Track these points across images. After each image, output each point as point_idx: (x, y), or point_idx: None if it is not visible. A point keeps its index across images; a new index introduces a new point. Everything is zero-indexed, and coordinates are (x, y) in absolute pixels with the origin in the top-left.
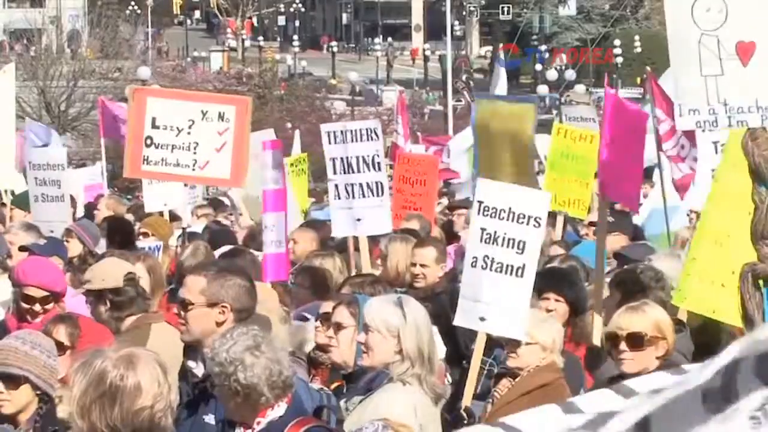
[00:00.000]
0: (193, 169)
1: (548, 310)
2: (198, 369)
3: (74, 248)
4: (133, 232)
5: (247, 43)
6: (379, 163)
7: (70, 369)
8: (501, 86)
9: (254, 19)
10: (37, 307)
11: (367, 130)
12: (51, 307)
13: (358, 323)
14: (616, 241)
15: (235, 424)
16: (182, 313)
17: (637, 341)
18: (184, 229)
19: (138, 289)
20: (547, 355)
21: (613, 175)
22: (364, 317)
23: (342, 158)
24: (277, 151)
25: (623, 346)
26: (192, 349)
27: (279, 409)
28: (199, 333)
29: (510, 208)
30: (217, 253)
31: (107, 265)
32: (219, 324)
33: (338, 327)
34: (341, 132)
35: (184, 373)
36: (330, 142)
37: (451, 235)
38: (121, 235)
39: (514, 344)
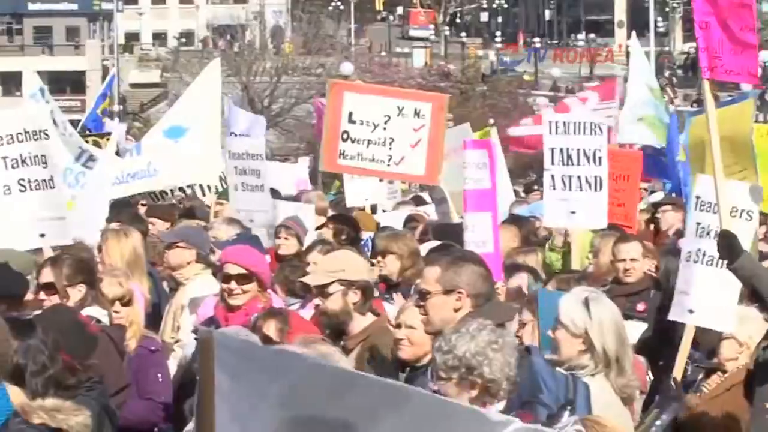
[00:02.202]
0: (388, 165)
1: None
2: None
3: (291, 246)
4: (360, 229)
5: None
6: (600, 158)
7: None
8: None
9: (437, 15)
10: (233, 285)
11: (591, 124)
12: (250, 288)
13: (537, 318)
14: None
15: None
16: (422, 303)
17: None
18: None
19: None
20: (744, 350)
21: None
22: (558, 313)
23: (562, 149)
24: (482, 151)
25: None
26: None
27: (500, 404)
28: (440, 321)
29: (723, 202)
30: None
31: (358, 258)
32: (456, 310)
33: (520, 324)
34: (563, 123)
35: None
36: (551, 132)
37: (657, 233)
38: (348, 232)
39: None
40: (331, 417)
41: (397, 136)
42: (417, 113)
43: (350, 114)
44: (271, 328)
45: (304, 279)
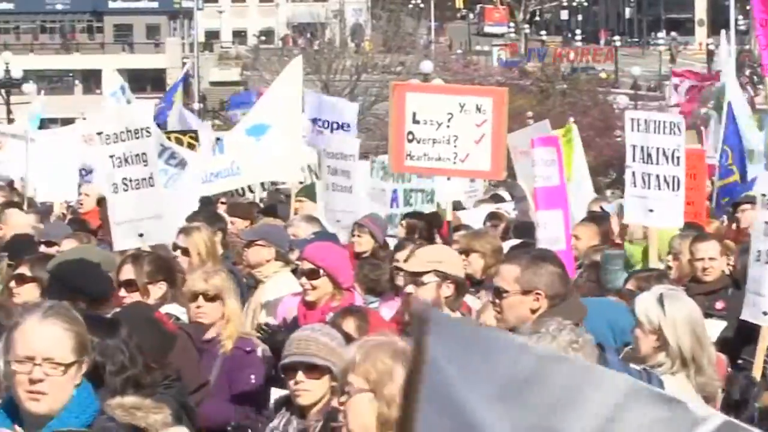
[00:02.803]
0: (454, 163)
1: None
2: None
3: (365, 243)
4: (438, 226)
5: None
6: (678, 157)
7: None
8: None
9: (517, 12)
10: (304, 281)
11: (671, 123)
12: (319, 284)
13: None
14: None
15: None
16: (497, 301)
17: None
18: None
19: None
20: None
21: None
22: (636, 311)
23: (642, 147)
24: (550, 148)
25: None
26: None
27: None
28: (514, 320)
29: None
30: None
31: (455, 253)
32: (533, 311)
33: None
34: (644, 121)
35: None
36: (632, 129)
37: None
38: (422, 230)
39: None
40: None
41: (461, 133)
42: (478, 108)
43: (414, 114)
44: (350, 325)
45: (402, 265)
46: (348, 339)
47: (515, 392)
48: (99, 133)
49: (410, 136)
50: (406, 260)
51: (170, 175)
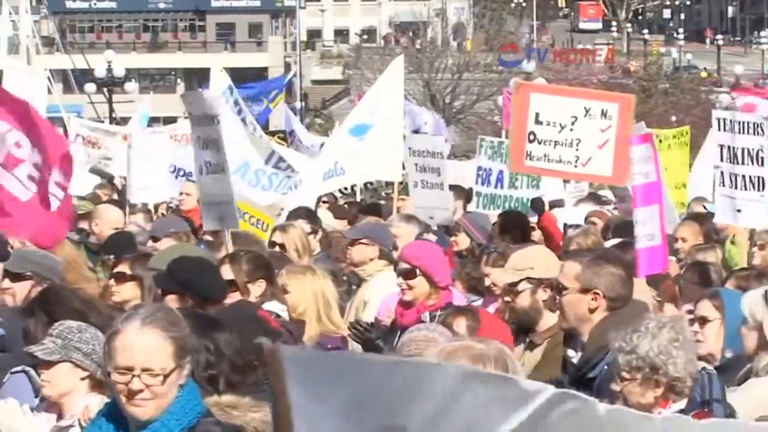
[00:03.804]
0: (575, 166)
1: None
2: (575, 358)
3: (462, 242)
4: (529, 227)
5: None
6: (762, 158)
7: None
8: None
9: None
10: (400, 280)
11: (753, 124)
12: (415, 284)
13: (723, 316)
14: None
15: None
16: (557, 297)
17: None
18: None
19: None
20: None
21: None
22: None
23: (729, 147)
24: (647, 145)
25: None
26: (568, 338)
27: (681, 402)
28: (573, 318)
29: None
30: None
31: (548, 255)
32: (591, 311)
33: (703, 321)
34: (730, 121)
35: (564, 363)
36: (719, 129)
37: None
38: (519, 229)
39: None
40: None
41: (584, 137)
42: (604, 114)
43: (537, 115)
44: (461, 325)
45: (492, 277)
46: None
47: (360, 402)
48: (190, 114)
49: (531, 137)
50: (492, 263)
51: (281, 179)
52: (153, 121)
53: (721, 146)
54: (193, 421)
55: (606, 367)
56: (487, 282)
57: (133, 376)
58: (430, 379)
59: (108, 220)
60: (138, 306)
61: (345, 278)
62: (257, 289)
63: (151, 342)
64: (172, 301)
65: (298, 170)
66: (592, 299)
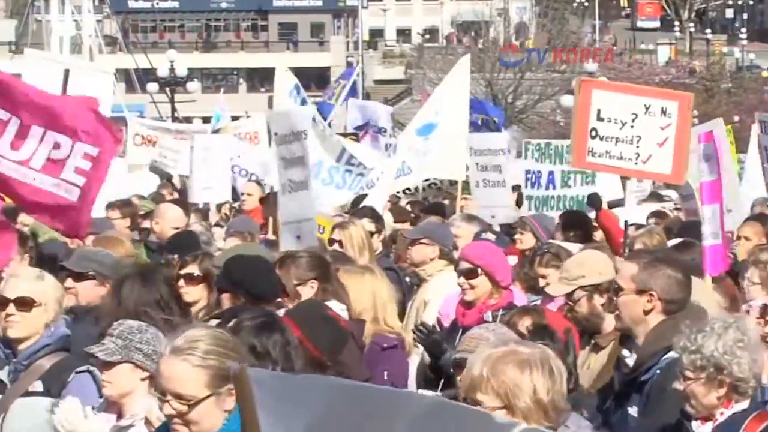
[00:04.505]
0: (636, 163)
1: None
2: (630, 359)
3: (527, 241)
4: (591, 226)
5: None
6: None
7: None
8: None
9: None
10: (462, 280)
11: None
12: (476, 283)
13: None
14: None
15: (690, 418)
16: (614, 298)
17: None
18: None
19: None
20: None
21: None
22: None
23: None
24: (710, 144)
25: None
26: (625, 338)
27: (743, 403)
28: (628, 319)
29: None
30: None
31: (600, 259)
32: (646, 312)
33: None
34: None
35: (617, 363)
36: (763, 132)
37: None
38: (581, 228)
39: None
40: None
41: (645, 134)
42: (664, 111)
43: (598, 111)
44: (525, 324)
45: (547, 290)
46: (523, 339)
47: (327, 427)
48: (275, 134)
49: (593, 133)
50: (545, 264)
51: (354, 177)
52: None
53: (765, 148)
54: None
55: (659, 371)
56: (542, 283)
57: (165, 401)
58: (401, 408)
59: (169, 219)
60: (184, 330)
61: (407, 278)
62: (309, 290)
63: (180, 370)
64: (226, 299)
65: (370, 168)
66: (648, 301)
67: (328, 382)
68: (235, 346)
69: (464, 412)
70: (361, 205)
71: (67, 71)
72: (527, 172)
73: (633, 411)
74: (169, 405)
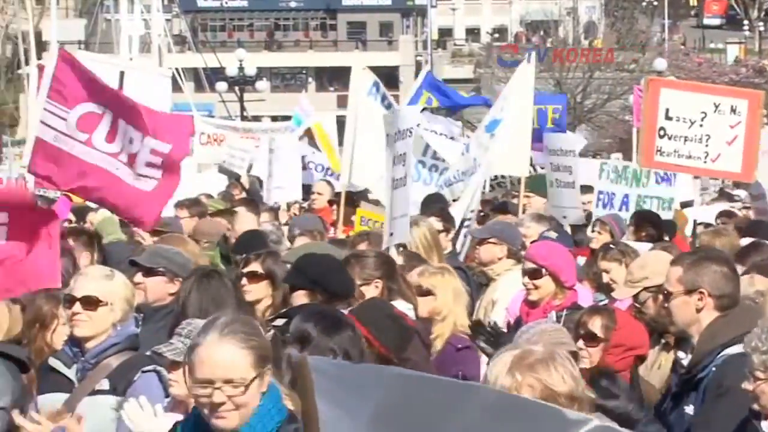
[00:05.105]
0: (705, 162)
1: None
2: (685, 360)
3: (604, 240)
4: (662, 226)
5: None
6: None
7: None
8: None
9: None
10: (526, 280)
11: None
12: (541, 283)
13: None
14: None
15: (760, 416)
16: (666, 304)
17: None
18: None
19: None
20: None
21: None
22: None
23: None
24: None
25: None
26: (682, 341)
27: None
28: (681, 322)
29: None
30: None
31: (662, 259)
32: (698, 310)
33: None
34: None
35: (674, 365)
36: None
37: None
38: (653, 228)
39: None
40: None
41: (714, 133)
42: (733, 110)
43: (667, 110)
44: (596, 324)
45: (613, 294)
46: (593, 338)
47: (389, 416)
48: (387, 135)
49: (662, 132)
50: (609, 259)
51: (440, 172)
52: (284, 119)
53: None
54: (276, 427)
55: (714, 369)
56: (605, 278)
57: (215, 388)
58: (467, 400)
59: (243, 225)
60: (214, 318)
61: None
62: (373, 290)
63: (229, 353)
64: (300, 297)
65: (452, 164)
66: (699, 299)
67: (390, 371)
68: (259, 327)
69: (536, 406)
70: (451, 207)
71: (122, 73)
72: (599, 192)
73: (689, 409)
74: (220, 392)
